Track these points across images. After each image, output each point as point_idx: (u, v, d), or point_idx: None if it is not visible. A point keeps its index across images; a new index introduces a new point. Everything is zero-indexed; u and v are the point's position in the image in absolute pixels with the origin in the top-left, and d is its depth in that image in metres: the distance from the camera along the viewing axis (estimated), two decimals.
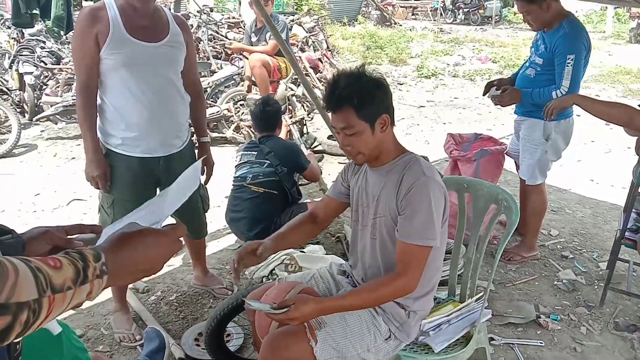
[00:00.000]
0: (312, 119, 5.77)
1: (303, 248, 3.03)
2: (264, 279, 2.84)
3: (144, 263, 0.88)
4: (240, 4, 12.29)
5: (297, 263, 2.79)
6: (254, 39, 5.75)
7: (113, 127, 2.23)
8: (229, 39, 7.85)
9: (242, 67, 6.09)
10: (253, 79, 5.60)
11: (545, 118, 2.57)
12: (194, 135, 2.58)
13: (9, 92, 6.44)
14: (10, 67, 6.84)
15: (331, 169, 4.84)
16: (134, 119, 2.20)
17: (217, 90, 6.02)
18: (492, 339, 2.43)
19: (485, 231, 1.98)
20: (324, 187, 3.68)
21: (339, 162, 5.02)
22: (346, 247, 3.21)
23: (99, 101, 2.22)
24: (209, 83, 5.94)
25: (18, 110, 6.21)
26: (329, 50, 10.08)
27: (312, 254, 2.94)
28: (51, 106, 5.81)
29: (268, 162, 3.05)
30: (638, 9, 14.16)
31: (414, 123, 6.80)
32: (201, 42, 7.32)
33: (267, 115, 3.17)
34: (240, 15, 10.45)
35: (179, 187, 1.06)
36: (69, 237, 1.06)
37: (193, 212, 2.57)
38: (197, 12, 8.57)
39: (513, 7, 18.99)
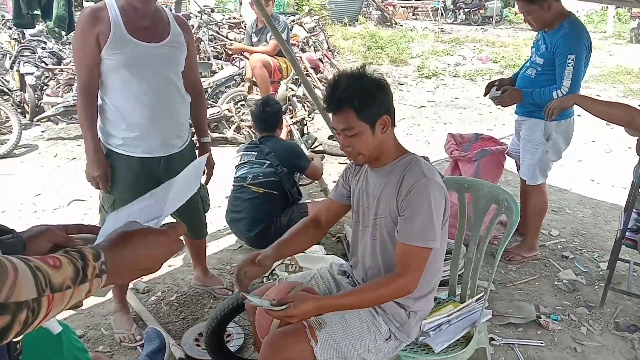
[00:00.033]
0: (312, 119, 5.78)
1: None
2: (264, 279, 2.84)
3: (143, 262, 0.88)
4: (240, 4, 12.31)
5: (297, 263, 2.79)
6: (254, 39, 5.75)
7: (114, 128, 2.24)
8: (230, 40, 7.85)
9: (243, 68, 6.10)
10: (254, 79, 5.60)
11: (546, 118, 2.57)
12: (195, 135, 2.58)
13: (10, 93, 6.45)
14: (12, 67, 6.84)
15: (331, 169, 4.84)
16: (135, 119, 2.21)
17: (217, 91, 6.02)
18: (492, 339, 2.42)
19: (485, 231, 1.98)
20: (325, 187, 3.68)
21: (340, 163, 5.02)
22: (346, 247, 3.21)
23: (99, 101, 2.23)
24: (209, 83, 5.94)
25: (19, 110, 6.22)
26: (330, 51, 10.08)
27: (313, 254, 2.94)
28: (52, 106, 5.82)
29: (268, 162, 3.05)
30: (639, 9, 14.15)
31: (414, 123, 6.80)
32: (202, 43, 7.33)
33: (267, 115, 3.17)
34: (241, 16, 10.47)
35: (183, 182, 1.06)
36: (69, 235, 1.06)
37: (193, 212, 2.57)
38: (198, 12, 8.58)
39: (514, 7, 18.98)
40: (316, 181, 3.88)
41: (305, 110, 5.42)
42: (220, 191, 3.83)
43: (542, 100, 2.77)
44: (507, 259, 3.18)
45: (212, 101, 5.71)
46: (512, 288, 2.94)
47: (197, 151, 2.58)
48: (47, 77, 6.56)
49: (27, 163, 5.29)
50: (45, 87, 6.45)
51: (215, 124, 5.62)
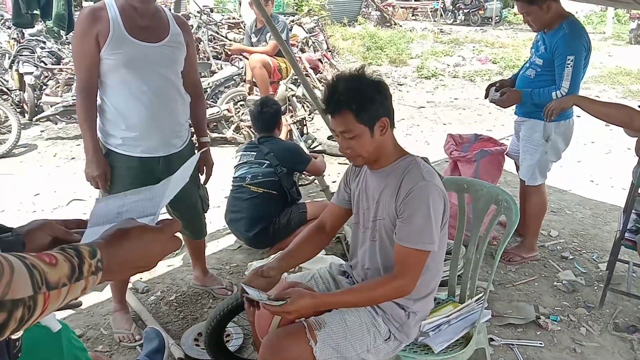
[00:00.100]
0: (312, 119, 5.78)
1: None
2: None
3: (139, 260, 0.88)
4: (240, 4, 12.29)
5: None
6: (254, 39, 5.75)
7: (113, 127, 2.24)
8: (229, 40, 7.85)
9: (242, 68, 6.10)
10: (254, 80, 5.60)
11: (546, 119, 2.57)
12: (194, 135, 2.58)
13: (9, 92, 6.44)
14: (11, 67, 6.84)
15: (331, 170, 4.83)
16: (134, 119, 2.21)
17: (217, 91, 6.02)
18: (491, 339, 2.43)
19: (485, 232, 1.98)
20: (325, 187, 3.68)
21: (339, 163, 5.02)
22: (346, 247, 3.21)
23: (99, 101, 2.22)
24: (209, 83, 5.94)
25: (18, 110, 6.21)
26: (329, 51, 10.09)
27: None
28: (51, 106, 5.81)
29: (267, 162, 3.05)
30: (638, 10, 14.17)
31: (414, 124, 6.80)
32: (201, 43, 7.32)
33: (265, 116, 3.17)
34: (240, 16, 10.45)
35: (178, 179, 1.06)
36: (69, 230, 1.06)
37: (193, 212, 2.57)
38: (197, 12, 8.57)
39: (513, 8, 18.98)
40: (316, 181, 3.88)
41: (305, 110, 5.42)
42: (219, 191, 3.83)
43: (541, 101, 2.77)
44: (506, 260, 3.19)
45: (212, 101, 5.71)
46: (511, 289, 2.94)
47: (196, 151, 2.58)
48: (46, 76, 6.56)
49: (26, 163, 5.29)
50: (44, 87, 6.45)
51: (215, 124, 5.62)
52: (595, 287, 2.96)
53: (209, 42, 7.63)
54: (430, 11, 21.26)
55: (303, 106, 5.47)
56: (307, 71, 6.81)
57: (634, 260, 3.00)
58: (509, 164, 3.52)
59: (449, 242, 2.19)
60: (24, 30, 7.77)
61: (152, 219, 0.95)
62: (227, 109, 5.57)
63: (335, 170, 4.82)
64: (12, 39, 8.30)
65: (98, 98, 2.22)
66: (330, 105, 1.60)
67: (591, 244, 3.52)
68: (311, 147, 5.18)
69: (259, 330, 1.80)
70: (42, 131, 6.23)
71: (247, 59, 5.75)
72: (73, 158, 5.35)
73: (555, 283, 3.00)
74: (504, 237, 1.85)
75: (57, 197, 4.32)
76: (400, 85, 9.28)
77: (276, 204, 3.04)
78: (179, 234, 0.95)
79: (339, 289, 1.82)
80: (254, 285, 1.62)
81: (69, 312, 2.57)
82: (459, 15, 19.95)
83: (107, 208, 1.00)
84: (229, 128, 5.62)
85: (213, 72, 6.58)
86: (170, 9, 2.46)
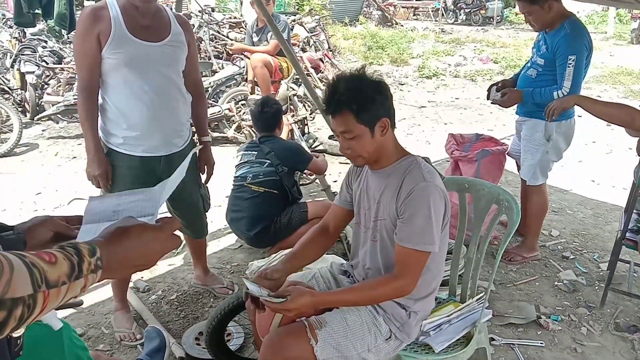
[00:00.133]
0: (313, 118, 5.78)
1: None
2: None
3: (139, 258, 0.88)
4: (241, 3, 12.31)
5: None
6: (255, 38, 5.75)
7: (114, 127, 2.24)
8: (231, 39, 7.85)
9: (244, 67, 6.10)
10: (255, 80, 5.60)
11: (547, 119, 2.57)
12: (195, 134, 2.58)
13: (10, 92, 6.45)
14: (12, 66, 6.85)
15: (332, 169, 4.83)
16: (136, 118, 2.21)
17: (218, 90, 6.02)
18: (492, 339, 2.43)
19: (486, 231, 1.98)
20: (326, 187, 3.68)
21: (340, 162, 5.02)
22: (346, 247, 3.21)
23: (100, 100, 2.23)
24: (210, 83, 5.94)
25: (19, 109, 6.22)
26: (330, 51, 10.09)
27: None
28: (52, 105, 5.82)
29: (268, 161, 3.05)
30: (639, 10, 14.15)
31: (415, 123, 6.80)
32: (202, 42, 7.33)
33: (266, 116, 3.17)
34: (241, 15, 10.47)
35: (174, 179, 1.07)
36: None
37: (194, 211, 2.58)
38: (199, 11, 8.58)
39: (514, 7, 18.99)
40: (317, 180, 3.88)
41: (306, 109, 5.42)
42: (220, 190, 3.83)
43: (542, 100, 2.77)
44: (507, 259, 3.18)
45: (213, 100, 5.71)
46: (512, 288, 2.94)
47: (197, 151, 2.58)
48: (47, 76, 6.56)
49: (28, 162, 5.30)
50: (45, 86, 6.45)
51: (216, 123, 5.62)
52: (596, 287, 2.96)
53: (210, 42, 7.63)
54: (432, 11, 21.25)
55: (304, 106, 5.47)
56: (308, 71, 6.82)
57: (635, 260, 3.00)
58: (510, 164, 3.52)
59: (450, 242, 2.19)
60: (25, 30, 7.78)
61: (151, 218, 0.95)
62: (229, 109, 5.58)
63: (336, 170, 4.83)
64: (14, 38, 8.31)
65: (99, 97, 2.22)
66: (330, 106, 1.60)
67: (592, 243, 3.52)
68: (312, 146, 5.18)
69: (259, 330, 1.80)
70: (43, 130, 6.24)
71: (249, 58, 5.76)
72: (74, 157, 5.36)
73: (556, 283, 3.00)
74: (505, 237, 1.84)
75: (59, 196, 4.33)
76: (402, 84, 9.28)
77: (277, 203, 3.04)
78: (180, 234, 0.96)
79: (339, 288, 1.83)
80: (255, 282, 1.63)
81: (70, 311, 2.58)
82: (460, 14, 19.93)
83: (101, 206, 1.00)
84: (230, 127, 5.62)
85: (214, 72, 6.58)
86: (171, 8, 2.46)
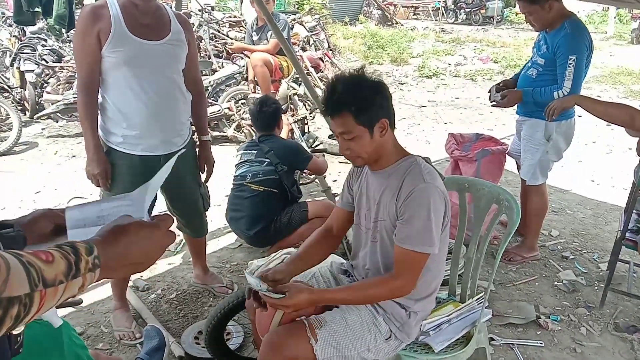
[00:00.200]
0: (313, 118, 5.78)
1: None
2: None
3: (138, 256, 0.87)
4: (241, 2, 12.29)
5: None
6: (255, 37, 5.75)
7: (114, 125, 2.23)
8: (231, 38, 7.84)
9: (244, 66, 6.09)
10: (255, 79, 5.60)
11: (547, 118, 2.57)
12: (195, 133, 2.58)
13: (10, 90, 6.44)
14: (12, 64, 6.84)
15: (332, 169, 4.83)
16: (135, 117, 2.20)
17: (218, 89, 6.02)
18: (492, 339, 2.43)
19: (486, 231, 1.98)
20: (327, 188, 3.67)
21: (340, 162, 5.02)
22: (346, 246, 3.21)
23: (100, 99, 2.22)
24: (210, 82, 5.93)
25: (19, 108, 6.21)
26: (331, 50, 10.08)
27: None
28: (52, 104, 5.82)
29: (268, 160, 3.05)
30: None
31: (415, 123, 6.79)
32: (202, 41, 7.32)
33: (264, 115, 3.16)
34: (241, 14, 10.45)
35: (155, 183, 1.06)
36: None
37: (194, 210, 2.57)
38: (199, 10, 8.56)
39: (515, 7, 18.98)
40: (317, 181, 3.87)
41: (307, 109, 5.42)
42: (220, 190, 3.83)
43: (542, 100, 2.77)
44: (507, 259, 3.18)
45: (213, 99, 5.71)
46: (512, 288, 2.94)
47: (197, 149, 2.58)
48: (47, 74, 6.56)
49: (27, 160, 5.29)
50: (45, 85, 6.45)
51: (216, 122, 5.62)
52: (596, 287, 2.96)
53: (210, 41, 7.62)
54: (432, 10, 21.24)
55: (304, 105, 5.47)
56: (308, 70, 6.81)
57: (634, 260, 3.00)
58: (510, 164, 3.52)
59: (450, 242, 2.19)
60: (25, 28, 7.76)
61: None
62: (228, 108, 5.58)
63: (336, 170, 4.82)
64: (14, 36, 8.29)
65: (99, 96, 2.21)
66: (329, 107, 1.59)
67: (592, 243, 3.52)
68: (312, 145, 5.18)
69: (259, 329, 1.80)
70: (43, 129, 6.23)
71: (249, 57, 5.75)
72: (74, 156, 5.36)
73: (555, 283, 3.00)
74: (504, 237, 1.84)
75: (58, 195, 4.33)
76: (402, 84, 9.28)
77: (277, 203, 3.04)
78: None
79: (337, 287, 1.83)
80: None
81: (70, 309, 2.57)
82: (460, 14, 19.93)
83: (82, 214, 0.97)
84: (230, 126, 5.62)
85: (214, 71, 6.57)
86: (171, 7, 2.46)
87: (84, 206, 0.99)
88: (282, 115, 3.49)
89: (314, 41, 8.93)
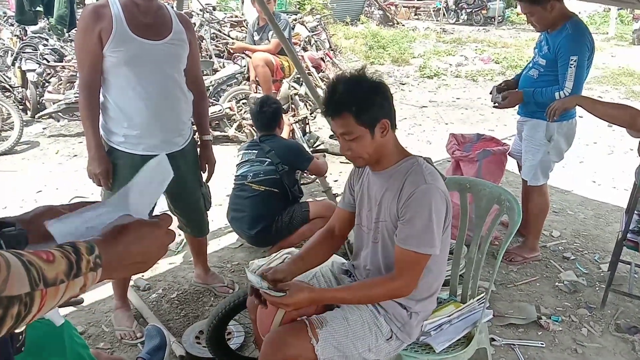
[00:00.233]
0: (314, 118, 5.78)
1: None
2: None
3: (138, 255, 0.87)
4: (242, 2, 12.30)
5: None
6: (256, 37, 5.75)
7: (115, 125, 2.24)
8: (232, 38, 7.85)
9: (245, 66, 6.10)
10: (257, 79, 5.60)
11: (548, 119, 2.57)
12: (196, 133, 2.58)
13: (11, 89, 6.45)
14: (13, 64, 6.84)
15: (333, 169, 4.83)
16: (137, 117, 2.21)
17: (219, 89, 6.02)
18: (493, 339, 2.42)
19: (487, 232, 1.98)
20: (328, 188, 3.67)
21: (341, 162, 5.02)
22: (347, 246, 3.21)
23: (101, 99, 2.22)
24: (211, 82, 5.94)
25: (20, 107, 6.21)
26: (332, 50, 10.08)
27: None
28: (53, 103, 5.82)
29: (269, 160, 3.05)
30: None
31: (416, 123, 6.79)
32: (204, 41, 7.32)
33: (265, 115, 3.17)
34: (242, 14, 10.45)
35: (144, 185, 1.03)
36: None
37: (195, 210, 2.58)
38: (200, 10, 8.56)
39: (516, 7, 19.00)
40: (318, 181, 3.87)
41: (308, 109, 5.42)
42: (221, 189, 3.83)
43: (544, 101, 2.77)
44: (508, 260, 3.18)
45: (214, 99, 5.71)
46: (513, 289, 2.94)
47: (198, 149, 2.58)
48: (48, 74, 6.56)
49: (29, 160, 5.30)
50: (46, 84, 6.45)
51: (217, 122, 5.62)
52: (597, 288, 2.96)
53: (212, 40, 7.62)
54: (433, 10, 21.23)
55: (305, 105, 5.47)
56: (309, 70, 6.81)
57: (635, 261, 3.00)
58: (511, 164, 3.52)
59: (451, 242, 2.19)
60: (26, 28, 7.76)
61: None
62: (230, 107, 5.58)
63: (337, 170, 4.82)
64: (15, 36, 8.30)
65: (100, 95, 2.22)
66: (330, 108, 1.59)
67: (593, 244, 3.52)
68: (313, 146, 5.18)
69: (260, 328, 1.80)
70: (44, 128, 6.23)
71: (250, 57, 5.76)
72: (75, 155, 5.36)
73: (556, 283, 3.00)
74: (506, 237, 1.84)
75: (59, 194, 4.33)
76: (403, 84, 9.28)
77: (278, 202, 3.04)
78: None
79: (338, 286, 1.83)
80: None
81: (71, 309, 2.58)
82: (461, 14, 19.92)
83: (67, 227, 0.91)
84: (231, 126, 5.62)
85: (215, 71, 6.57)
86: (172, 7, 2.46)
87: (64, 219, 0.93)
88: (283, 115, 3.49)
89: (315, 41, 8.93)
